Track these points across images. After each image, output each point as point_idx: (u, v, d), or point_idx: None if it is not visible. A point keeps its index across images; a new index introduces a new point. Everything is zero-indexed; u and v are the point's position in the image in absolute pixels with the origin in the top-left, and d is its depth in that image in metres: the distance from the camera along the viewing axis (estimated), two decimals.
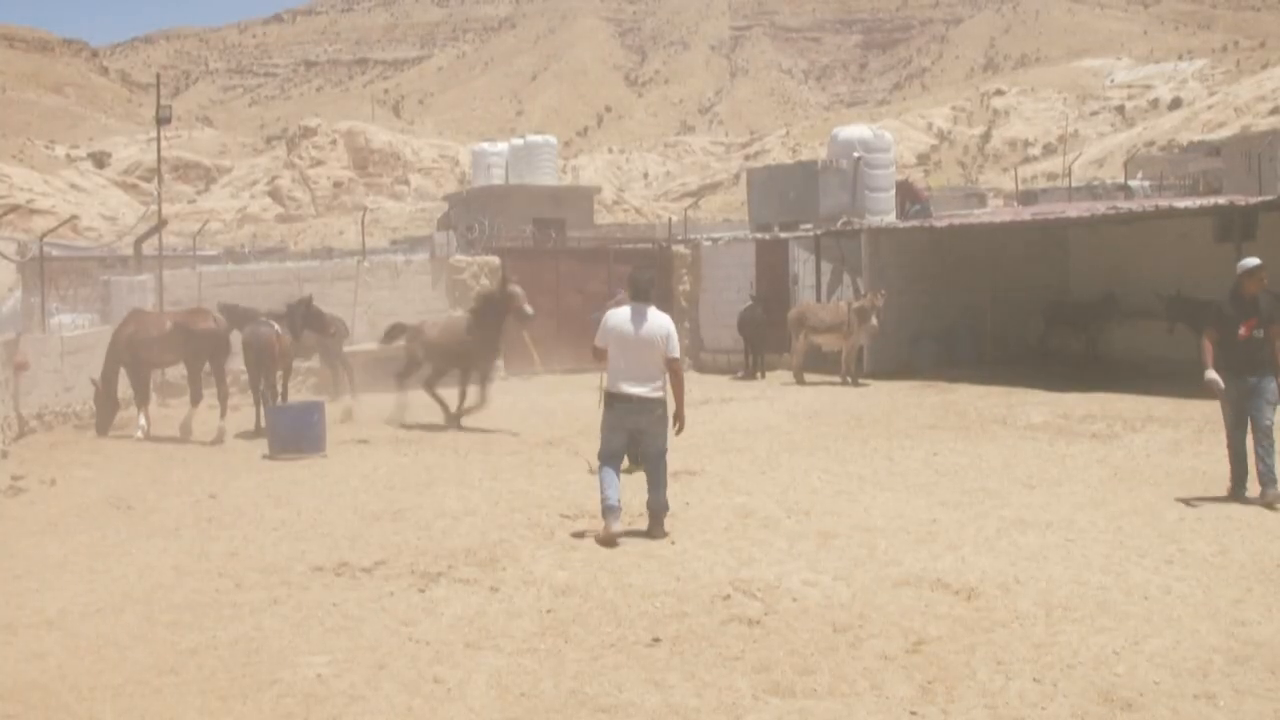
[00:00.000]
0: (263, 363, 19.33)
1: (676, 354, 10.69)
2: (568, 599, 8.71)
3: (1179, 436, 16.60)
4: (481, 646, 7.66)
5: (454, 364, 19.86)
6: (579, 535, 10.77)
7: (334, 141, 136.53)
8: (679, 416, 10.81)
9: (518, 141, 50.16)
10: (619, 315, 10.81)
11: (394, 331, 21.44)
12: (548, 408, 21.58)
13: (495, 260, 29.75)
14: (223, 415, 18.61)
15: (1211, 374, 11.89)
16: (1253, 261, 12.13)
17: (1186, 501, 11.91)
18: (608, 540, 10.41)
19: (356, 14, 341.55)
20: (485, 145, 52.73)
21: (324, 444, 16.76)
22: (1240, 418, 11.98)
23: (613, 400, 10.70)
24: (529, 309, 18.86)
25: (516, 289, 18.94)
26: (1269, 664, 7.14)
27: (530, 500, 12.55)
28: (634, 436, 10.82)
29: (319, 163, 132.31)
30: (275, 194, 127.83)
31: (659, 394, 10.66)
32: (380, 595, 8.91)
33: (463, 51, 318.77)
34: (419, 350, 20.42)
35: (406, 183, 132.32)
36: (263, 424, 18.18)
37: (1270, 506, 11.53)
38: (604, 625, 8.07)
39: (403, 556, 10.07)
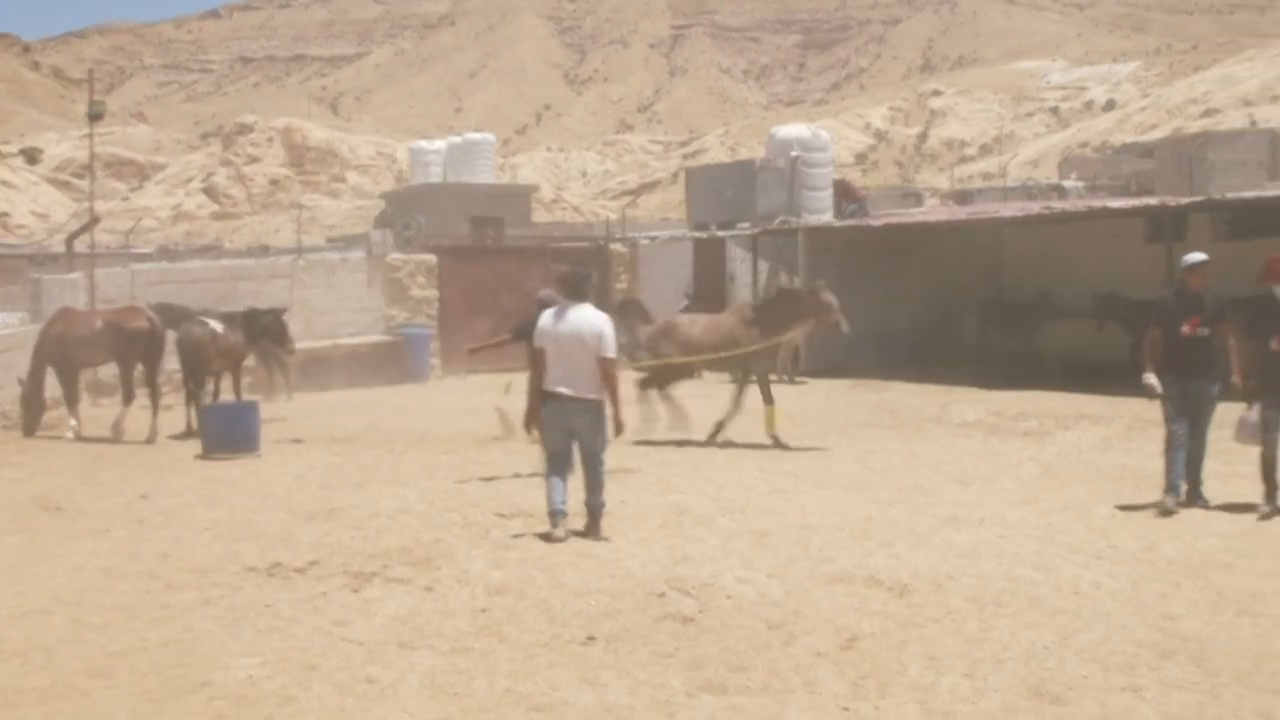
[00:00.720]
0: (196, 362, 19.16)
1: (610, 353, 10.47)
2: (502, 598, 8.70)
3: (1110, 434, 16.80)
4: (415, 646, 7.63)
5: (721, 366, 17.73)
6: (519, 536, 10.71)
7: (270, 139, 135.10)
8: (616, 419, 10.57)
9: (456, 139, 50.13)
10: (552, 314, 10.74)
11: (629, 311, 18.62)
12: (483, 407, 21.46)
13: (432, 259, 29.65)
14: (155, 415, 18.43)
15: (1150, 377, 11.67)
16: (1197, 256, 11.84)
17: (1126, 508, 11.73)
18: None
19: (294, 10, 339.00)
20: (423, 143, 52.69)
21: (258, 443, 16.63)
22: (1182, 421, 11.63)
23: (549, 400, 10.63)
24: (844, 324, 16.24)
25: (831, 298, 16.51)
26: (1195, 657, 7.27)
27: (465, 499, 12.51)
28: (573, 436, 10.75)
29: (255, 160, 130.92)
30: (210, 191, 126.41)
31: (595, 395, 10.50)
32: (313, 596, 8.85)
33: (401, 48, 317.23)
34: (669, 349, 17.43)
35: (343, 180, 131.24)
36: (196, 424, 18.04)
37: (1164, 513, 11.37)
38: (538, 624, 8.07)
39: (336, 556, 10.00)
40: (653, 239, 33.87)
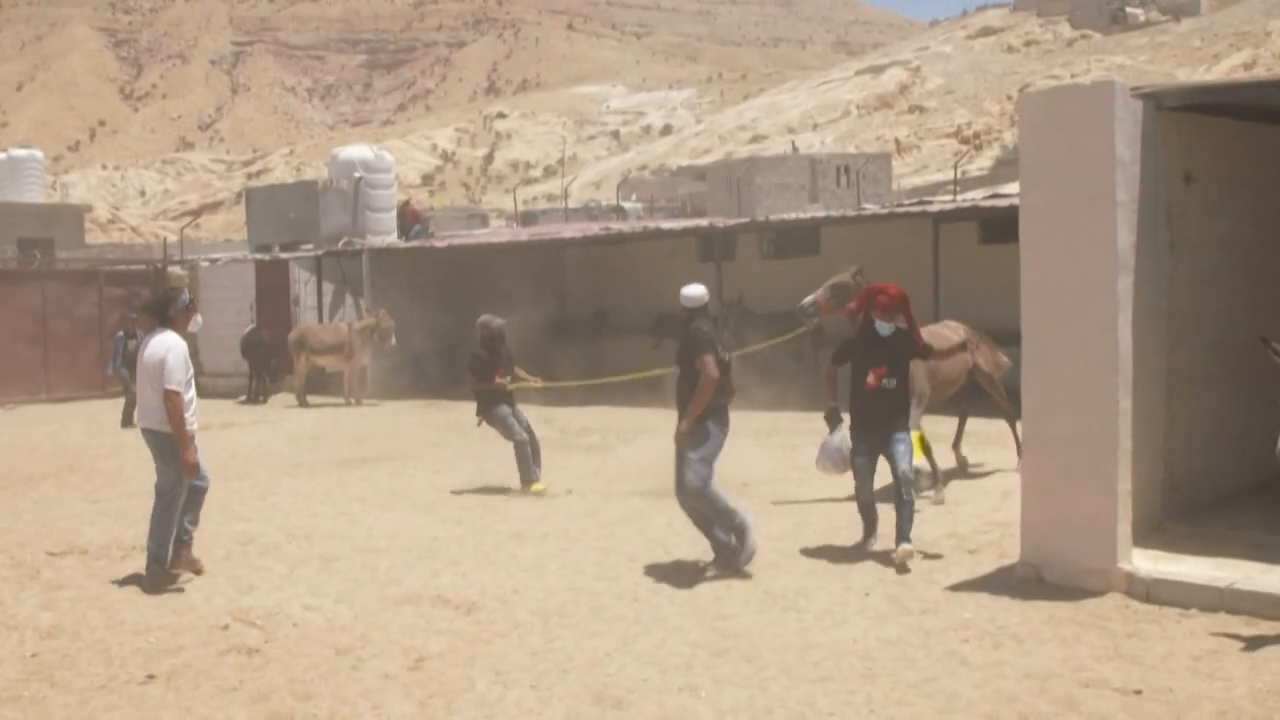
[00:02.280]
0: None
1: (169, 385, 9.63)
2: (55, 641, 8.31)
3: (669, 446, 17.48)
4: None
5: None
6: (73, 575, 10.15)
7: None
8: (183, 457, 9.75)
9: (0, 156, 47.41)
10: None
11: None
12: (33, 440, 20.39)
13: None
14: None
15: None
16: (690, 290, 10.99)
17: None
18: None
19: None
20: None
21: None
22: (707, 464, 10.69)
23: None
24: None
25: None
26: (745, 654, 7.67)
27: (13, 539, 11.79)
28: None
29: None
30: None
31: (160, 426, 9.78)
32: None
33: None
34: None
35: None
36: None
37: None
38: (94, 666, 7.76)
39: None
40: (214, 261, 32.96)
